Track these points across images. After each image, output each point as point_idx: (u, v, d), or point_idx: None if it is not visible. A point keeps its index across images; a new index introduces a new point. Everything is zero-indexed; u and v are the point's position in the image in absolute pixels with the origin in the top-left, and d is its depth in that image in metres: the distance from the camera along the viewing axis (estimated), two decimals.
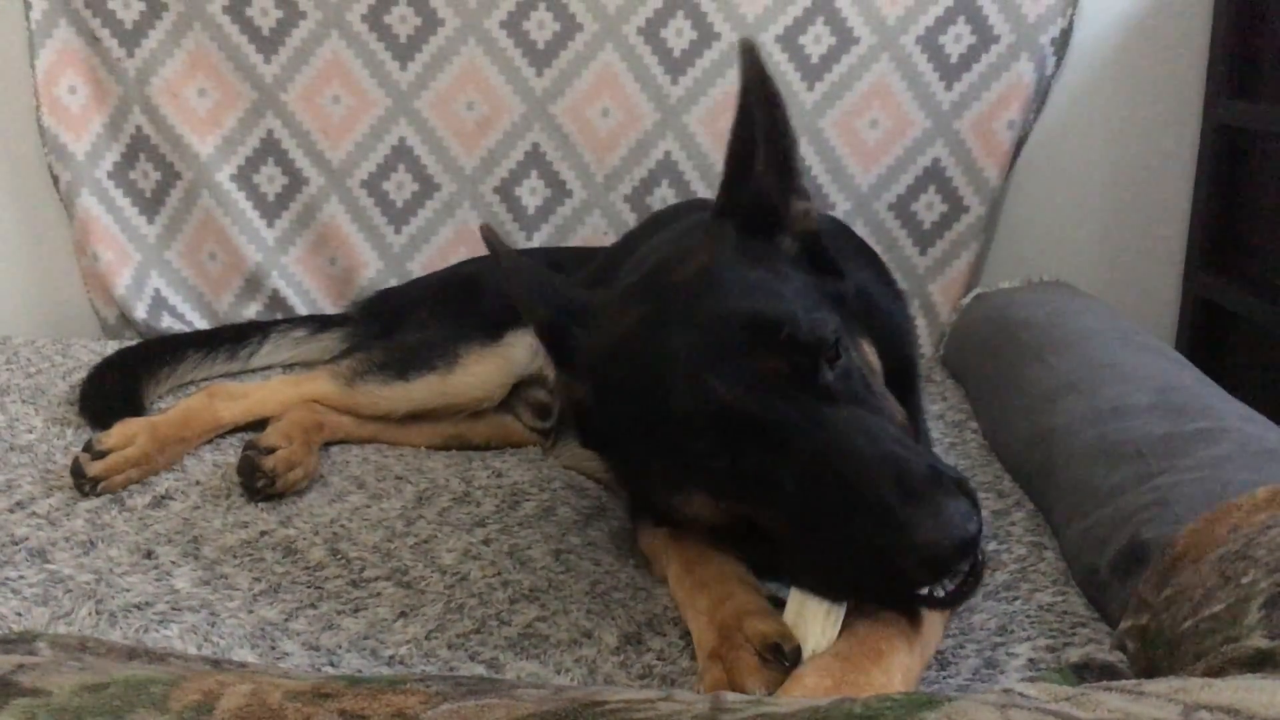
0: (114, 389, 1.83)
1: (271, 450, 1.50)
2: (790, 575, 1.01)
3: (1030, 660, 1.05)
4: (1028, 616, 1.13)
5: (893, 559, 0.89)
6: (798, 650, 0.93)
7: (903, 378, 1.22)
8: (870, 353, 1.12)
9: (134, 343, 2.11)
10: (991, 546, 1.30)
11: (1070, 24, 2.17)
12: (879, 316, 1.33)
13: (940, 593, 0.92)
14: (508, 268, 1.19)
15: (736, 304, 1.03)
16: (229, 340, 2.02)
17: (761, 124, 1.10)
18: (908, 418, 1.12)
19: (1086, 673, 0.97)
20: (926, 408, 1.47)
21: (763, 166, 1.11)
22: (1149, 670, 0.95)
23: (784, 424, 0.96)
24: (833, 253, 1.17)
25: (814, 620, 0.95)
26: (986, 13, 2.16)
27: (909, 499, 0.89)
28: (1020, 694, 0.64)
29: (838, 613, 0.95)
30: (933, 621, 1.01)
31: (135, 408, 1.77)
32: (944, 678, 1.03)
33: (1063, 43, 2.18)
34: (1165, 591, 0.99)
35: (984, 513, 1.38)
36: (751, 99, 1.10)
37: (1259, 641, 0.82)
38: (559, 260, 1.86)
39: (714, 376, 0.98)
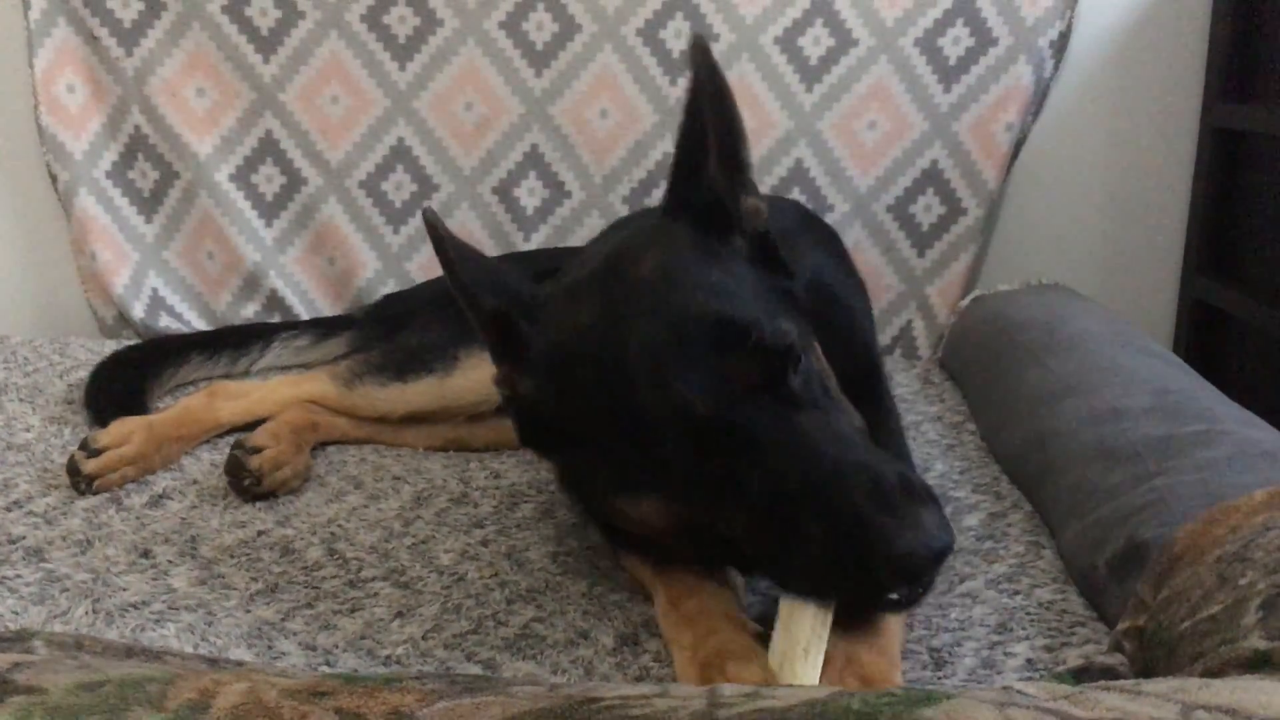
0: (118, 387, 1.83)
1: (257, 450, 1.50)
2: (755, 571, 1.02)
3: (1028, 660, 1.05)
4: (1026, 614, 1.13)
5: (868, 567, 0.89)
6: None
7: (865, 374, 1.20)
8: (822, 356, 1.09)
9: (136, 342, 2.11)
10: (988, 545, 1.30)
11: (1069, 27, 2.18)
12: (838, 311, 1.31)
13: (897, 596, 0.93)
14: (451, 255, 1.10)
15: (703, 305, 1.00)
16: (232, 344, 2.02)
17: (713, 122, 1.08)
18: (876, 416, 1.12)
19: (1086, 676, 0.97)
20: (894, 408, 1.44)
21: (715, 165, 1.09)
22: (1146, 671, 0.95)
23: (755, 431, 0.95)
24: (786, 245, 1.15)
25: (803, 619, 0.95)
26: (985, 15, 2.16)
27: (883, 509, 0.89)
28: (1019, 691, 0.64)
29: (828, 607, 0.95)
30: (895, 626, 1.02)
31: (138, 407, 1.77)
32: (940, 678, 1.03)
33: (1061, 45, 2.18)
34: (1163, 592, 0.99)
35: (981, 515, 1.39)
36: (702, 96, 1.07)
37: (1257, 642, 0.82)
38: (559, 264, 1.86)
39: (681, 380, 0.95)
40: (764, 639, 0.99)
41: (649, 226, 1.14)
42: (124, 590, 1.22)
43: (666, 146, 2.26)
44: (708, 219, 1.10)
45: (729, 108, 1.08)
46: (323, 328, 2.10)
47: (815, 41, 2.20)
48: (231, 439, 1.68)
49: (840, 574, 0.91)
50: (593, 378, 1.02)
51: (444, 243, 1.09)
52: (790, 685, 0.90)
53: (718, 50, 2.20)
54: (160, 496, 1.50)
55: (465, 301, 1.11)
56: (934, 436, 1.71)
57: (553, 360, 1.06)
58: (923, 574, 0.91)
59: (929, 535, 0.88)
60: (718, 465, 0.96)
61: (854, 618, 0.98)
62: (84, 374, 1.88)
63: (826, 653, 0.94)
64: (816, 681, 0.93)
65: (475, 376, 1.71)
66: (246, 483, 1.48)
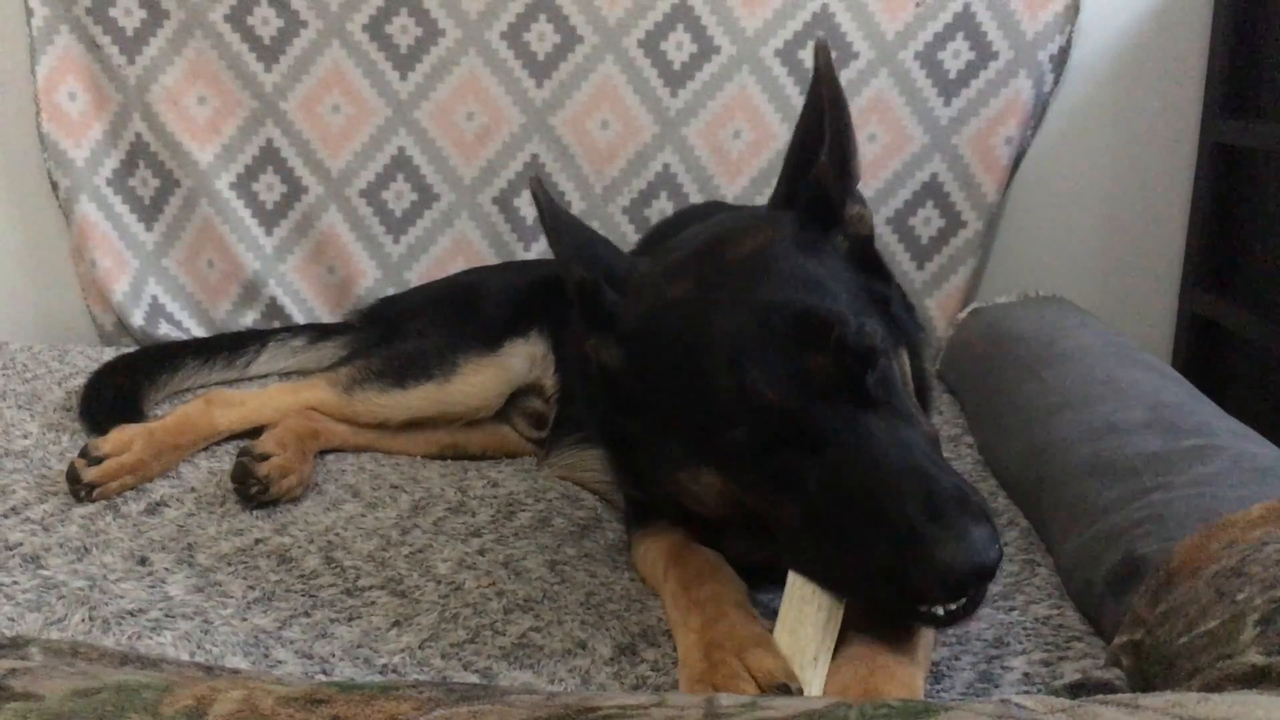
0: (113, 395, 1.83)
1: (266, 457, 1.50)
2: (790, 564, 1.01)
3: (1025, 675, 1.05)
4: (1024, 629, 1.13)
5: (908, 573, 0.89)
6: (801, 693, 0.92)
7: (918, 393, 1.21)
8: (904, 363, 1.11)
9: (133, 349, 2.11)
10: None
11: (1069, 41, 2.18)
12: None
13: (940, 611, 0.92)
14: (551, 223, 1.17)
15: (790, 294, 1.02)
16: (227, 348, 2.02)
17: (829, 120, 1.09)
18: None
19: (1083, 690, 0.97)
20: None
21: (826, 159, 1.11)
22: (1144, 686, 0.95)
23: (822, 427, 0.97)
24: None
25: (811, 628, 0.95)
26: (985, 29, 2.17)
27: (934, 517, 0.89)
28: (1016, 704, 0.64)
29: (836, 618, 0.95)
30: (926, 634, 1.01)
31: (134, 414, 1.77)
32: (938, 691, 1.03)
33: (1061, 60, 2.19)
34: (1160, 607, 0.99)
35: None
36: (822, 94, 1.10)
37: (1254, 658, 0.82)
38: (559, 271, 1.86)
39: (759, 368, 0.98)
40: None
41: (751, 215, 1.17)
42: (121, 598, 1.22)
43: (666, 158, 2.27)
44: (814, 213, 1.12)
45: (844, 115, 1.10)
46: (318, 330, 2.11)
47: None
48: (229, 447, 1.69)
49: (880, 577, 0.92)
50: (675, 353, 1.05)
51: (545, 209, 1.16)
52: (789, 696, 0.90)
53: (718, 63, 2.22)
54: (158, 504, 1.49)
55: (560, 267, 1.16)
56: None
57: (639, 332, 1.10)
58: (963, 587, 0.90)
59: (973, 550, 0.88)
60: (782, 455, 0.98)
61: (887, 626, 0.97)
62: (83, 381, 1.88)
63: (850, 651, 0.94)
64: (821, 689, 0.93)
65: (475, 382, 1.71)
66: (254, 490, 1.48)
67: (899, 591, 0.91)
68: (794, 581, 0.99)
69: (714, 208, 1.80)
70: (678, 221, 1.82)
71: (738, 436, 1.00)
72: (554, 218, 1.17)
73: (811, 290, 1.03)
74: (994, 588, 1.22)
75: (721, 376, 1.00)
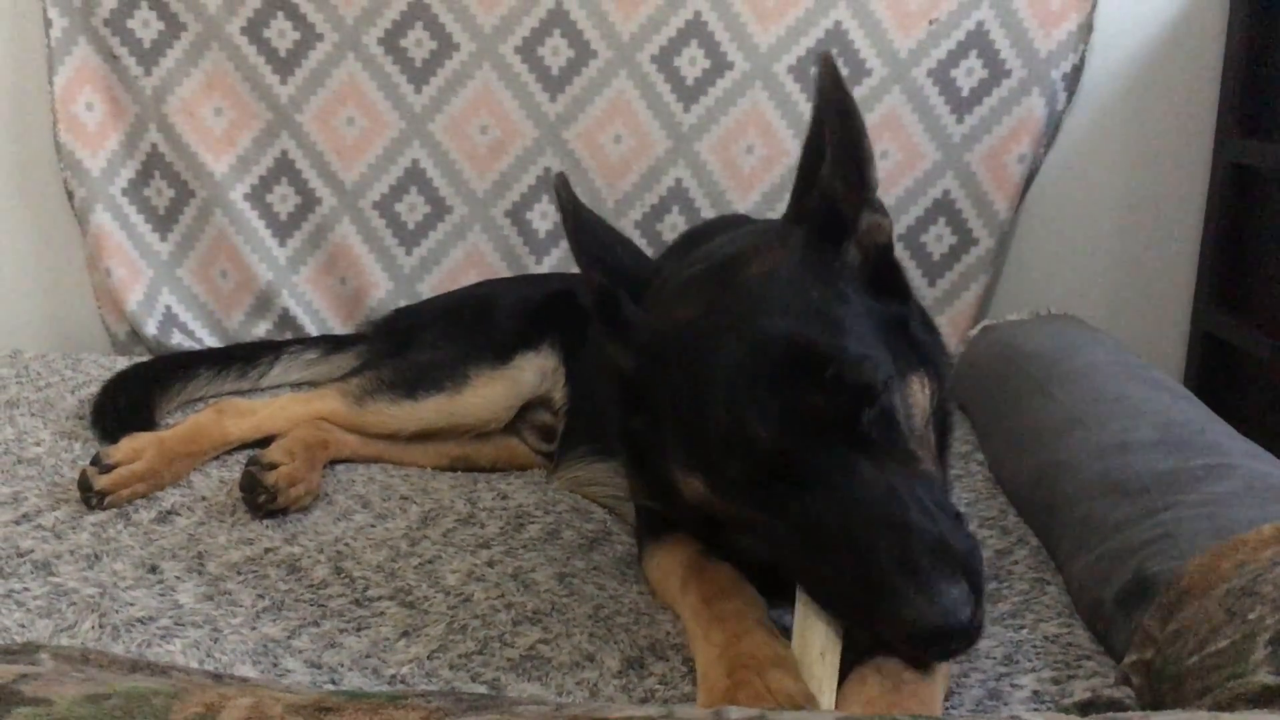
0: (126, 404, 1.84)
1: (274, 466, 1.50)
2: (782, 572, 1.02)
3: (1035, 692, 1.04)
4: (1033, 647, 1.12)
5: (879, 622, 0.91)
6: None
7: (937, 416, 1.18)
8: (922, 388, 1.08)
9: (146, 359, 2.12)
10: (992, 586, 1.29)
11: (1082, 60, 2.19)
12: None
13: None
14: (574, 224, 1.18)
15: (789, 325, 1.01)
16: (241, 359, 2.03)
17: (832, 132, 1.08)
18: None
19: (1093, 709, 0.97)
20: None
21: (828, 172, 1.09)
22: (1154, 704, 0.95)
23: (810, 467, 0.96)
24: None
25: (818, 622, 0.97)
26: (999, 47, 2.17)
27: (907, 573, 0.89)
28: None
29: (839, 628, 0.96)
30: None
31: (146, 423, 1.78)
32: (948, 708, 1.02)
33: (1074, 78, 2.20)
34: (1170, 626, 0.98)
35: (987, 552, 1.38)
36: (824, 107, 1.08)
37: (1265, 678, 0.82)
38: (571, 286, 1.87)
39: (752, 405, 0.98)
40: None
41: (770, 229, 1.16)
42: (131, 605, 1.23)
43: (679, 173, 2.27)
44: (823, 227, 1.10)
45: (852, 124, 1.07)
46: (331, 342, 2.11)
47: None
48: (240, 456, 1.69)
49: (855, 618, 0.94)
50: (678, 378, 1.06)
51: (568, 210, 1.17)
52: (798, 708, 0.90)
53: (731, 79, 2.23)
54: (168, 512, 1.50)
55: (581, 272, 1.17)
56: None
57: (649, 348, 1.10)
58: (931, 646, 0.91)
59: (939, 611, 0.87)
60: (773, 488, 0.99)
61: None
62: (96, 390, 1.89)
63: (875, 662, 0.94)
64: (834, 685, 0.93)
65: (485, 394, 1.72)
66: (262, 499, 1.48)
67: (872, 634, 0.93)
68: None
69: (737, 220, 1.80)
70: (707, 230, 1.82)
71: (730, 469, 1.01)
72: (576, 219, 1.18)
73: (811, 321, 1.02)
74: (1004, 606, 1.22)
75: (716, 410, 1.00)
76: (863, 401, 0.97)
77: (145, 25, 2.31)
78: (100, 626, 1.17)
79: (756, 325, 1.02)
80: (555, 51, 2.27)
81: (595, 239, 1.20)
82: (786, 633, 1.04)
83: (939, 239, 2.27)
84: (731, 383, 1.00)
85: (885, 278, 1.11)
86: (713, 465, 1.03)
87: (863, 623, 0.94)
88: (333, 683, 1.08)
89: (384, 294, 2.39)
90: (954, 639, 0.90)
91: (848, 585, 0.93)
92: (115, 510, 1.49)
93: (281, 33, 2.30)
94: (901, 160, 2.22)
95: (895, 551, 0.90)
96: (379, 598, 1.27)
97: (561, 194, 1.19)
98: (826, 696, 0.94)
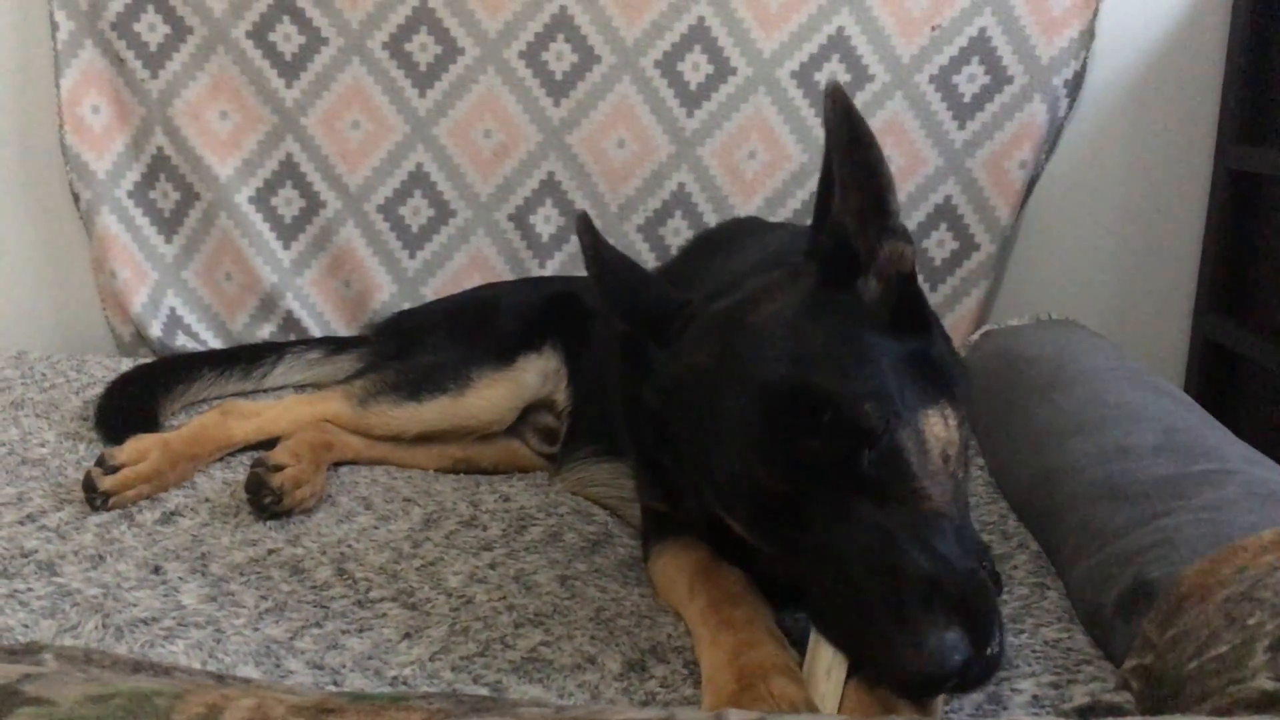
0: (130, 405, 1.84)
1: (280, 468, 1.51)
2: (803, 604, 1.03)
3: (1034, 697, 1.04)
4: (1032, 652, 1.13)
5: (869, 666, 0.93)
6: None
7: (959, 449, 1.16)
8: (941, 420, 1.05)
9: (150, 360, 2.13)
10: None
11: (1084, 67, 2.19)
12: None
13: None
14: (597, 268, 1.21)
15: (787, 372, 1.02)
16: (244, 360, 2.04)
17: (841, 166, 1.06)
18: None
19: (1092, 714, 0.97)
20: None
21: (839, 208, 1.08)
22: (1153, 710, 0.95)
23: (810, 511, 0.98)
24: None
25: (825, 652, 0.97)
26: (1000, 54, 2.18)
27: (896, 620, 0.89)
28: None
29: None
30: None
31: (150, 424, 1.78)
32: (947, 712, 1.03)
33: (1076, 85, 2.20)
34: (1170, 632, 0.99)
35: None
36: (831, 141, 1.07)
37: (1265, 683, 0.82)
38: (573, 288, 1.88)
39: (755, 452, 1.00)
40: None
41: (788, 262, 1.17)
42: (134, 606, 1.23)
43: (682, 177, 2.28)
44: (834, 262, 1.09)
45: (865, 152, 1.06)
46: (334, 343, 2.12)
47: (832, 77, 2.22)
48: (244, 457, 1.70)
49: (850, 657, 0.95)
50: (691, 423, 1.10)
51: (590, 253, 1.20)
52: (802, 711, 0.91)
53: (734, 84, 2.24)
54: (172, 513, 1.50)
55: (610, 321, 1.23)
56: None
57: (669, 391, 1.13)
58: (922, 692, 0.92)
59: (927, 659, 0.87)
60: (780, 529, 1.01)
61: None
62: (100, 391, 1.90)
63: (868, 683, 0.95)
64: (837, 701, 0.94)
65: (488, 396, 1.72)
66: (267, 500, 1.49)
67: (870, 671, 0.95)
68: None
69: (753, 224, 1.80)
70: (721, 234, 1.82)
71: (738, 511, 1.05)
72: (598, 262, 1.21)
73: (812, 365, 1.02)
74: (1004, 610, 1.22)
75: (723, 458, 1.03)
76: (862, 443, 0.97)
77: (151, 29, 2.31)
78: (103, 627, 1.18)
79: (762, 371, 1.03)
80: (559, 56, 2.28)
81: (620, 282, 1.22)
82: (790, 637, 1.05)
83: (940, 244, 2.27)
84: (734, 430, 1.02)
85: (907, 307, 1.09)
86: (725, 506, 1.07)
87: (858, 662, 0.95)
88: (335, 684, 1.09)
89: (388, 297, 2.40)
90: (945, 684, 0.89)
91: (843, 625, 0.95)
92: (119, 511, 1.50)
93: (287, 37, 2.31)
94: (903, 166, 2.23)
95: (883, 598, 0.91)
96: (381, 599, 1.27)
97: (585, 238, 1.20)
98: (829, 712, 0.94)
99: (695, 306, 1.19)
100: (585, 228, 1.21)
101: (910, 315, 1.09)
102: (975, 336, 2.18)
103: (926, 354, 1.09)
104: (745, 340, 1.07)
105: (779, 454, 0.99)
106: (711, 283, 1.33)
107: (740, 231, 1.76)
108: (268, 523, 1.48)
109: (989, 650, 0.90)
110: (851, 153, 1.05)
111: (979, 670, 0.90)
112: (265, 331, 2.42)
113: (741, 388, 1.03)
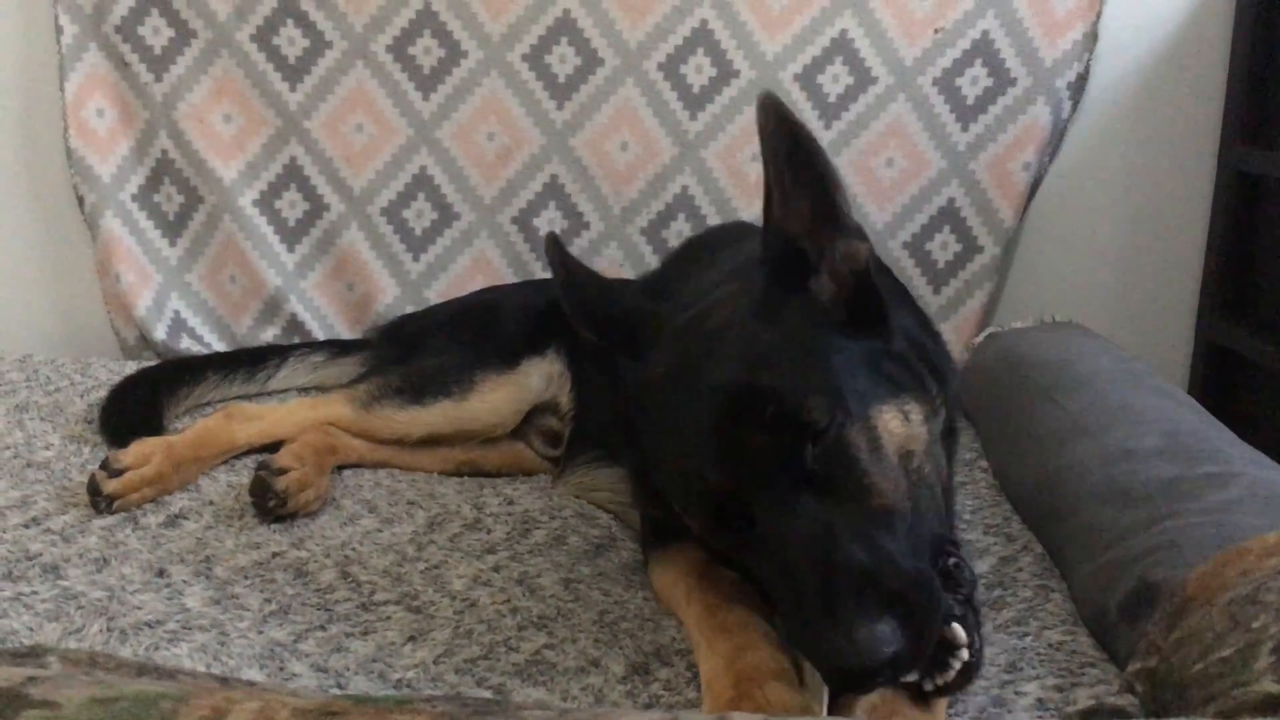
0: (134, 408, 1.84)
1: (284, 471, 1.51)
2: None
3: (1039, 700, 1.04)
4: (1037, 655, 1.13)
5: (809, 658, 0.95)
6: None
7: (944, 432, 1.16)
8: (899, 416, 1.03)
9: (154, 363, 2.13)
10: (996, 593, 1.29)
11: (1087, 69, 2.19)
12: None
13: (929, 686, 0.94)
14: (566, 287, 1.24)
15: (734, 374, 1.03)
16: (248, 363, 2.04)
17: (780, 173, 1.06)
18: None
19: (1097, 716, 0.97)
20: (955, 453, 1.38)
21: (779, 213, 1.08)
22: (1158, 713, 0.95)
23: (753, 506, 0.99)
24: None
25: None
26: (1004, 56, 2.18)
27: (827, 612, 0.89)
28: None
29: None
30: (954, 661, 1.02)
31: (154, 427, 1.78)
32: (951, 715, 1.03)
33: (1079, 87, 2.20)
34: (1174, 634, 0.99)
35: (990, 559, 1.38)
36: (768, 151, 1.06)
37: (1269, 685, 0.82)
38: None
39: (702, 454, 1.02)
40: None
41: (742, 267, 1.21)
42: (139, 609, 1.23)
43: (685, 180, 2.28)
44: (782, 264, 1.10)
45: (810, 157, 1.06)
46: (337, 346, 2.12)
47: (834, 79, 2.22)
48: (248, 460, 1.70)
49: (795, 645, 0.98)
50: (650, 430, 1.13)
51: (558, 268, 1.24)
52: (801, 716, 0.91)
53: (737, 87, 2.24)
54: (176, 516, 1.51)
55: (577, 330, 1.25)
56: None
57: (634, 398, 1.17)
58: (855, 684, 0.92)
59: (855, 650, 0.86)
60: (730, 526, 1.03)
61: None
62: (104, 394, 1.90)
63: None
64: (824, 704, 0.95)
65: (492, 399, 1.73)
66: (271, 504, 1.49)
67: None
68: None
69: (740, 229, 1.80)
70: (709, 239, 1.83)
71: (693, 510, 1.08)
72: (567, 280, 1.25)
73: (760, 365, 1.03)
74: (1008, 613, 1.22)
75: (677, 459, 1.07)
76: (804, 438, 0.98)
77: (156, 32, 2.32)
78: (108, 630, 1.18)
79: (711, 376, 1.05)
80: (562, 59, 2.28)
81: (588, 298, 1.25)
82: None
83: (944, 247, 2.27)
84: (687, 432, 1.05)
85: (862, 302, 1.09)
86: (681, 506, 1.10)
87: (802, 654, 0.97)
88: (339, 687, 1.09)
89: (391, 300, 2.40)
90: (874, 675, 0.89)
91: (786, 618, 0.97)
92: (123, 514, 1.50)
93: (291, 40, 2.31)
94: (907, 168, 2.23)
95: (817, 589, 0.91)
96: (385, 602, 1.27)
97: (552, 256, 1.24)
98: (819, 711, 0.94)
99: (663, 317, 1.21)
100: (552, 246, 1.25)
101: (869, 312, 1.09)
102: (979, 339, 2.18)
103: (886, 350, 1.09)
104: (699, 346, 1.10)
105: (727, 452, 1.01)
106: (689, 291, 1.36)
107: (725, 238, 1.76)
108: (272, 526, 1.49)
109: (924, 645, 0.90)
110: (795, 159, 1.06)
111: (911, 664, 0.90)
112: (269, 334, 2.42)
113: (694, 391, 1.05)
